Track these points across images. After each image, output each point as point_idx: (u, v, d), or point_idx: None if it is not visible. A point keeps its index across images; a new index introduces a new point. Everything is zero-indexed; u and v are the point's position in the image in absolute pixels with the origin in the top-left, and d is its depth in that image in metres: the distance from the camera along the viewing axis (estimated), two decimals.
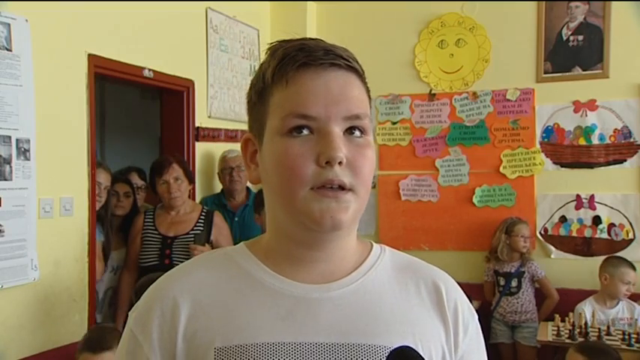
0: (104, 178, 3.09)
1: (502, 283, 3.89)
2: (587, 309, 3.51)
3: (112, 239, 3.20)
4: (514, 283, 3.85)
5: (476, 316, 0.91)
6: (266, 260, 0.86)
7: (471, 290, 4.06)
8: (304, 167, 0.78)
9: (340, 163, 0.78)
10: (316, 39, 0.85)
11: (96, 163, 3.02)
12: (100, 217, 3.08)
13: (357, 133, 0.81)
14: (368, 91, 0.86)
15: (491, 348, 3.91)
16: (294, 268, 0.85)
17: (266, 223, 0.90)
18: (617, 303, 3.52)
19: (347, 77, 0.82)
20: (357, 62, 0.84)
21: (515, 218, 3.98)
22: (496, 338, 3.90)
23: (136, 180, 3.62)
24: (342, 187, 0.78)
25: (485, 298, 4.05)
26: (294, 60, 0.80)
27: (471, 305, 0.91)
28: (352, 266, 0.87)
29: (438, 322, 0.86)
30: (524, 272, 3.84)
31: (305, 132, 0.79)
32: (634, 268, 3.53)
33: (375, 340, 0.80)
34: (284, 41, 0.84)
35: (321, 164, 0.78)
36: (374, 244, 0.92)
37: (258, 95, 0.84)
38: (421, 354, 0.80)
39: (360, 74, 0.84)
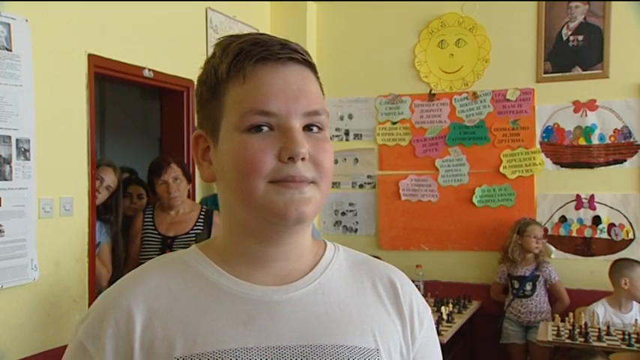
0: (109, 178, 3.08)
1: (516, 286, 3.86)
2: (599, 311, 3.45)
3: (121, 241, 3.17)
4: (528, 287, 3.82)
5: (429, 310, 0.93)
6: (222, 263, 0.84)
7: (471, 290, 4.11)
8: (264, 161, 0.76)
9: (303, 159, 0.77)
10: (267, 34, 0.83)
11: (105, 160, 3.04)
12: (99, 215, 3.06)
13: (315, 129, 0.80)
14: (321, 86, 0.85)
15: (502, 348, 3.91)
16: (251, 269, 0.83)
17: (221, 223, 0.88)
18: (632, 307, 3.47)
19: (304, 72, 0.81)
20: (311, 57, 0.83)
21: (528, 219, 3.94)
22: (508, 338, 3.88)
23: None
24: (303, 180, 0.77)
25: (491, 297, 4.05)
26: (250, 55, 0.78)
27: (424, 300, 0.93)
28: (308, 266, 0.86)
29: (396, 317, 0.87)
30: (538, 276, 3.81)
31: (265, 129, 0.77)
32: None
33: (338, 340, 0.80)
34: (234, 36, 0.82)
35: (283, 160, 0.76)
36: (327, 242, 0.92)
37: (211, 91, 0.81)
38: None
39: (314, 69, 0.83)
